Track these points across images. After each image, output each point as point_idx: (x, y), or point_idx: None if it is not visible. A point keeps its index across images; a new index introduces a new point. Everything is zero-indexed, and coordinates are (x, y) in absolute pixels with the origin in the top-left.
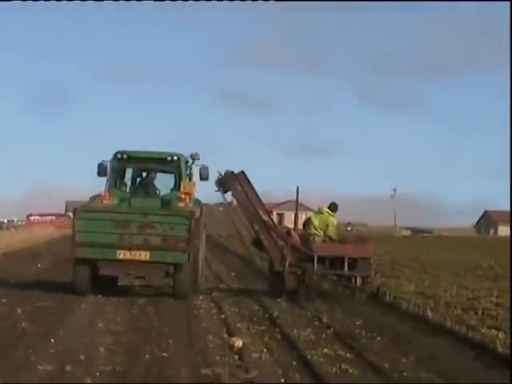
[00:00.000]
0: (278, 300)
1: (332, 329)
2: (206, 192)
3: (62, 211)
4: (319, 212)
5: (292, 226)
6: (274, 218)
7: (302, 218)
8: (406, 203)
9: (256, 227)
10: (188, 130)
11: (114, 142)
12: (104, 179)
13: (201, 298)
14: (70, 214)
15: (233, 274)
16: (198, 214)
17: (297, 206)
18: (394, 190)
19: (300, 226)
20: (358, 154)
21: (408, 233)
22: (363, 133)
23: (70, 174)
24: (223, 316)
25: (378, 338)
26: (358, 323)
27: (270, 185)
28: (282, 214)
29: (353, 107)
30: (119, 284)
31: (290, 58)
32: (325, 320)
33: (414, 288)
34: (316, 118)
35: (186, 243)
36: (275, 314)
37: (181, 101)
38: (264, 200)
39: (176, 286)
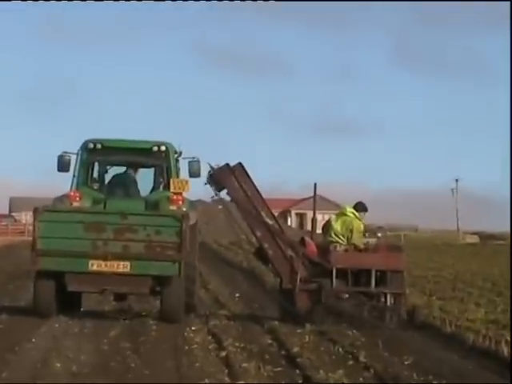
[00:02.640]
0: (299, 331)
1: (372, 370)
2: (200, 186)
3: (5, 210)
4: (342, 213)
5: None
6: (293, 219)
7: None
8: (472, 199)
9: (258, 233)
10: (168, 105)
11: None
12: (66, 175)
13: (194, 328)
14: (17, 215)
15: (237, 295)
16: (192, 217)
17: (314, 206)
18: (456, 181)
19: (319, 231)
20: (402, 133)
21: (475, 239)
22: (407, 105)
23: (16, 168)
24: (224, 353)
25: None
26: (406, 362)
27: (284, 176)
28: (304, 213)
29: (390, 71)
30: (91, 304)
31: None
32: (362, 358)
33: (483, 314)
34: (341, 86)
35: (176, 251)
36: (294, 349)
37: (159, 64)
38: (278, 195)
39: (164, 306)
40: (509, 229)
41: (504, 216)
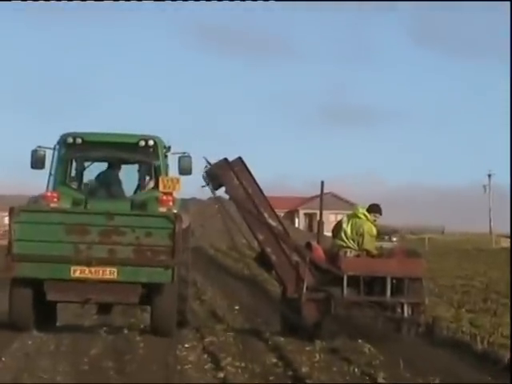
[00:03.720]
0: (308, 349)
1: None
2: (193, 183)
3: None
4: (353, 215)
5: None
6: (301, 219)
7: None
8: (507, 197)
9: (260, 236)
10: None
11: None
12: (41, 172)
13: (187, 345)
14: None
15: (236, 307)
16: (185, 219)
17: (321, 206)
18: (489, 177)
19: (327, 233)
20: (426, 122)
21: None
22: (432, 91)
23: None
24: (222, 374)
25: None
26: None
27: (290, 171)
28: (313, 213)
29: (411, 52)
30: (69, 318)
31: None
32: (381, 380)
33: None
34: (355, 68)
35: (168, 255)
36: (303, 369)
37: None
38: (284, 193)
39: (154, 317)
40: None
41: None
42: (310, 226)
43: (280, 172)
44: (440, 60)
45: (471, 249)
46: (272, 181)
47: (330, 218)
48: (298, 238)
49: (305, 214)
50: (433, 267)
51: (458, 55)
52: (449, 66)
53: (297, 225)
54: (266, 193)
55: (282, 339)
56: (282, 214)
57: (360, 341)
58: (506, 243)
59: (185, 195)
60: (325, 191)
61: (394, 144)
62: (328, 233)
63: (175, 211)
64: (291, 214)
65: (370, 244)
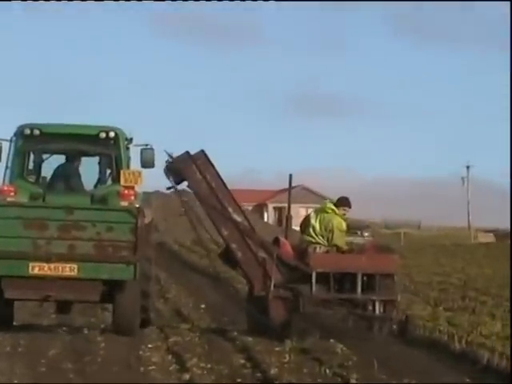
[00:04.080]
0: (277, 349)
1: None
2: (157, 176)
3: None
4: (322, 210)
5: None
6: (270, 213)
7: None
8: (486, 190)
9: (224, 232)
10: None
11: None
12: None
13: (151, 345)
14: None
15: (202, 306)
16: (147, 214)
17: (289, 201)
18: (467, 169)
19: (298, 229)
20: (402, 113)
21: (490, 238)
22: (408, 81)
23: None
24: (187, 376)
25: None
26: None
27: (258, 163)
28: (283, 207)
29: (387, 40)
30: (26, 318)
31: None
32: (353, 381)
33: (499, 328)
34: (327, 57)
35: (130, 251)
36: (272, 371)
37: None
38: (252, 186)
39: (116, 315)
40: None
41: None
42: (279, 221)
43: (248, 164)
44: (415, 49)
45: (449, 244)
46: (239, 173)
47: (301, 212)
48: (267, 233)
49: (274, 208)
50: (409, 263)
51: (434, 44)
52: (424, 55)
53: (266, 219)
54: (232, 185)
55: (250, 339)
56: (251, 208)
57: (332, 340)
58: (484, 238)
59: (148, 188)
60: (295, 184)
61: (367, 135)
62: (297, 227)
63: (137, 205)
64: (260, 208)
65: (340, 239)
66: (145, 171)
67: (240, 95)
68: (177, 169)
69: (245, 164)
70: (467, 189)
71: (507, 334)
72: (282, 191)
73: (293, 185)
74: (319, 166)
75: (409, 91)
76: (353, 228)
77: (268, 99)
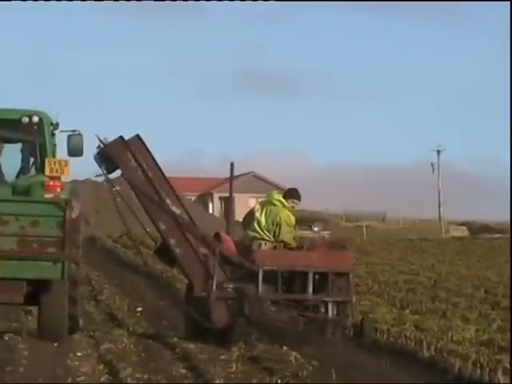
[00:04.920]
0: (223, 357)
1: None
2: (87, 162)
3: None
4: (268, 202)
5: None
6: (216, 204)
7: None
8: (459, 178)
9: (161, 226)
10: (37, 61)
11: None
12: None
13: (80, 353)
14: None
15: (139, 309)
16: (76, 206)
17: (231, 191)
18: (438, 154)
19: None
20: (362, 90)
21: (463, 232)
22: (370, 53)
23: None
24: None
25: None
26: None
27: (200, 149)
28: (232, 197)
29: (340, 12)
30: None
31: None
32: None
33: (473, 333)
34: (274, 28)
35: (58, 247)
36: (217, 381)
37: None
38: (194, 174)
39: (42, 319)
40: (509, 218)
41: (503, 201)
42: (224, 215)
43: (190, 149)
44: (378, 19)
45: (417, 239)
46: (180, 160)
47: (251, 203)
48: (212, 227)
49: (220, 198)
50: (372, 260)
51: (396, 15)
52: (388, 26)
53: (211, 210)
54: (172, 173)
55: (193, 346)
56: (194, 198)
57: (285, 348)
58: (457, 232)
59: (78, 176)
60: (245, 171)
61: (323, 116)
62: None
63: (64, 197)
64: (204, 198)
65: (288, 234)
66: (73, 160)
67: (179, 72)
68: (109, 156)
69: (187, 149)
70: (438, 176)
71: (481, 340)
72: (229, 179)
73: (242, 172)
74: (269, 150)
75: (369, 67)
76: (305, 221)
77: (210, 76)
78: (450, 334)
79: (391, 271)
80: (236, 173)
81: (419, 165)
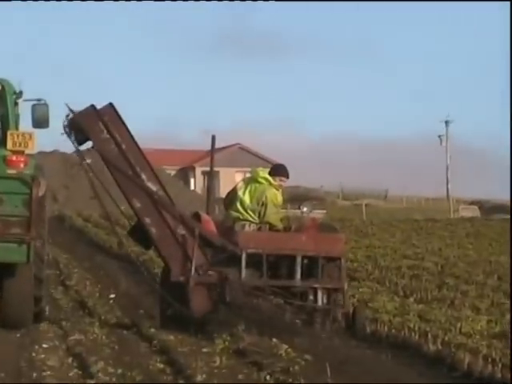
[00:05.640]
0: (205, 350)
1: None
2: (55, 132)
3: None
4: (252, 180)
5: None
6: (198, 179)
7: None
8: (470, 152)
9: (136, 204)
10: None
11: None
12: None
13: (46, 345)
14: None
15: (112, 296)
16: (42, 183)
17: (212, 166)
18: (446, 125)
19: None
20: (361, 55)
21: (473, 212)
22: (365, 13)
23: None
24: (92, 383)
25: None
26: None
27: (180, 118)
28: (215, 172)
29: None
30: None
31: None
32: None
33: (484, 325)
34: None
35: (23, 228)
36: (199, 377)
37: None
38: (174, 145)
39: (4, 305)
40: None
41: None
42: (208, 193)
43: (169, 119)
44: None
45: (422, 219)
46: (157, 130)
47: (237, 178)
48: (194, 204)
49: (203, 173)
50: (372, 243)
51: None
52: None
53: (192, 186)
54: (149, 145)
55: (172, 338)
56: (174, 173)
57: (274, 340)
58: (467, 212)
59: (44, 147)
60: (231, 143)
61: (317, 83)
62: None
63: (28, 172)
64: (185, 172)
65: (274, 215)
66: (38, 131)
67: (153, 34)
68: (80, 126)
69: (166, 118)
70: (446, 150)
71: (493, 332)
72: (214, 151)
73: (227, 144)
74: (257, 120)
75: (369, 28)
76: (298, 199)
77: (190, 38)
78: (458, 326)
79: (393, 255)
80: (220, 145)
81: (425, 138)
